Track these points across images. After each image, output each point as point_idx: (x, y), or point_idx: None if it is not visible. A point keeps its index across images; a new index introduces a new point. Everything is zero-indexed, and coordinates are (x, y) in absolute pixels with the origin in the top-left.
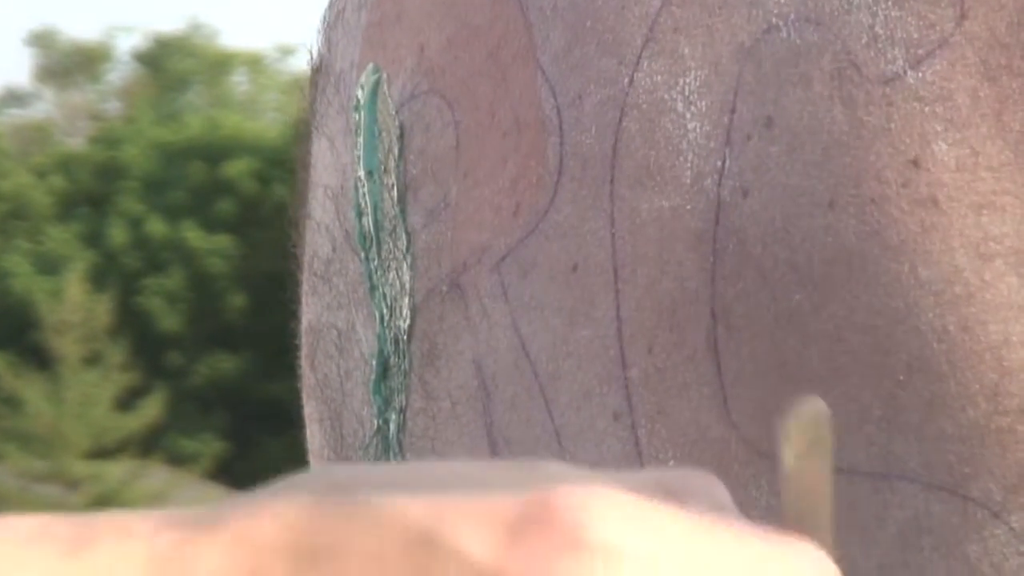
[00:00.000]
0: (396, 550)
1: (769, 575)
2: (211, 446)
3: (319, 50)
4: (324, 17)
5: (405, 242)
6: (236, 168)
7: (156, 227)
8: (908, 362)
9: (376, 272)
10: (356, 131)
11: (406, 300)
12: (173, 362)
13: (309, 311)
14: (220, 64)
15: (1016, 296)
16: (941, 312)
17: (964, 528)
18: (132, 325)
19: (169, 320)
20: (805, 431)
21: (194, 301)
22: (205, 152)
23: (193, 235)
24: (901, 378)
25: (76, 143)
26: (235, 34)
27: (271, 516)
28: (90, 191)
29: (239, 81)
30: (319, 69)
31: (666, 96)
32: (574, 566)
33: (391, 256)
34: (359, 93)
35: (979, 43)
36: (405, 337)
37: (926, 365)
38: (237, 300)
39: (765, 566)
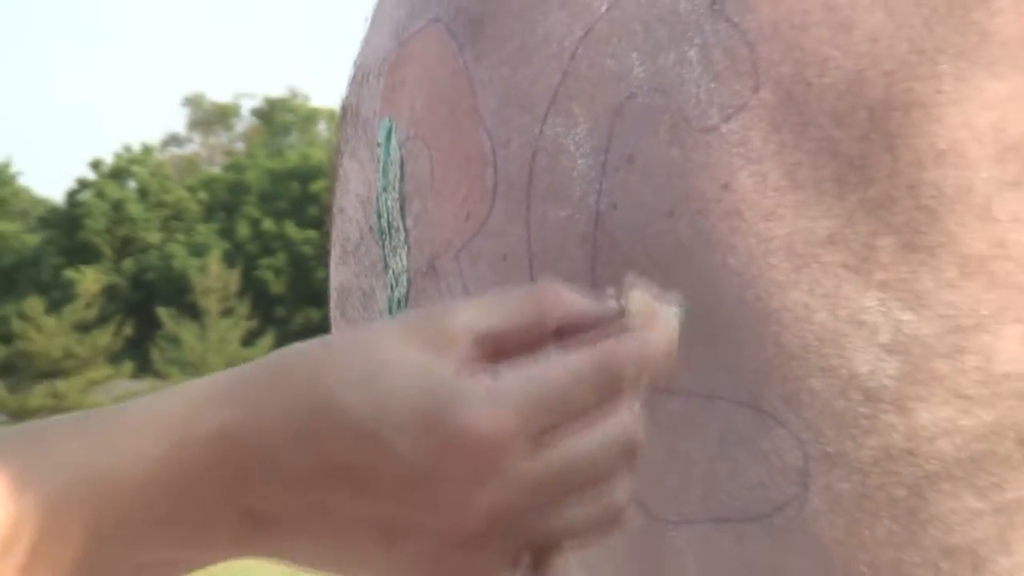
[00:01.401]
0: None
1: None
2: None
3: (350, 99)
4: (353, 76)
5: (404, 236)
6: (321, 186)
7: (268, 225)
8: (723, 320)
9: (388, 256)
10: (377, 161)
11: (404, 276)
12: (279, 314)
13: (340, 275)
14: (310, 117)
15: (788, 277)
16: (743, 287)
17: (759, 431)
18: (252, 290)
19: (277, 286)
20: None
21: (293, 274)
22: (300, 176)
23: (292, 231)
24: (718, 331)
25: (215, 170)
26: (321, 96)
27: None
28: (224, 202)
29: (323, 128)
30: (350, 112)
31: (563, 141)
32: None
33: (396, 245)
34: (379, 136)
35: (768, 106)
36: (404, 302)
37: (734, 322)
38: (322, 273)
39: None
